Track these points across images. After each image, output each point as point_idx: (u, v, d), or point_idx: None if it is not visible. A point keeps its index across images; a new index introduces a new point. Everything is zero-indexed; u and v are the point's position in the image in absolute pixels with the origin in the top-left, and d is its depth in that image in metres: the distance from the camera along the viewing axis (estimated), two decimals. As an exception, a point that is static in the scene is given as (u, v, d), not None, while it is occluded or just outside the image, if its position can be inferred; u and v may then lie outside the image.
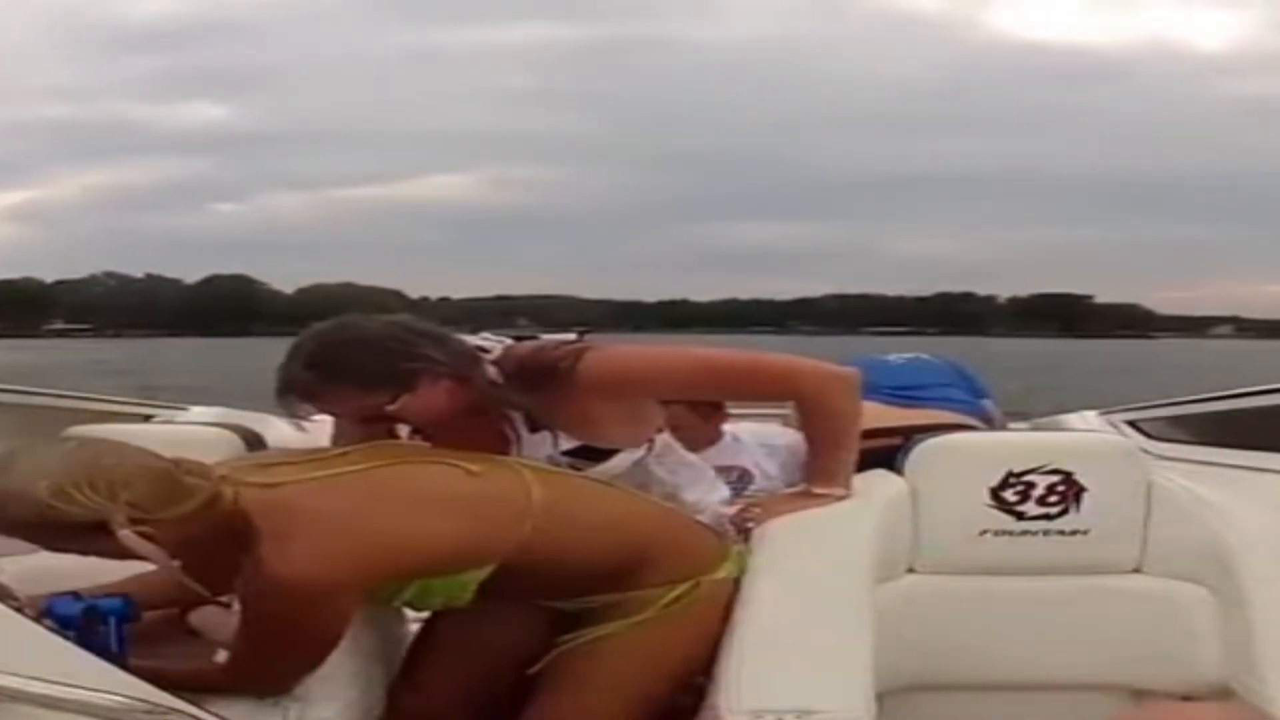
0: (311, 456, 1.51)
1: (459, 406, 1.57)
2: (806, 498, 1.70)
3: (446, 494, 1.49)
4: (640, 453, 1.68)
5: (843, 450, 1.70)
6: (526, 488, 1.51)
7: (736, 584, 1.58)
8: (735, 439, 2.34)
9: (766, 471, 2.29)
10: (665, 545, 1.57)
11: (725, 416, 2.31)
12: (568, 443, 1.63)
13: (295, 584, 1.34)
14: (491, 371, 1.60)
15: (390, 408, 1.52)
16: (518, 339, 1.69)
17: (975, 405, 2.32)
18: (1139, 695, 1.77)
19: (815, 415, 1.69)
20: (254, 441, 2.02)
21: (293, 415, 1.57)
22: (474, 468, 1.51)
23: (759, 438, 2.36)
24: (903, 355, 2.47)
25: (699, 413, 2.16)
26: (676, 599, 1.53)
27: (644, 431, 1.69)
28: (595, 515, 1.57)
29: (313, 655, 1.42)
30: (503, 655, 1.60)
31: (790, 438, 2.22)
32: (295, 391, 1.52)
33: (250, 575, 1.37)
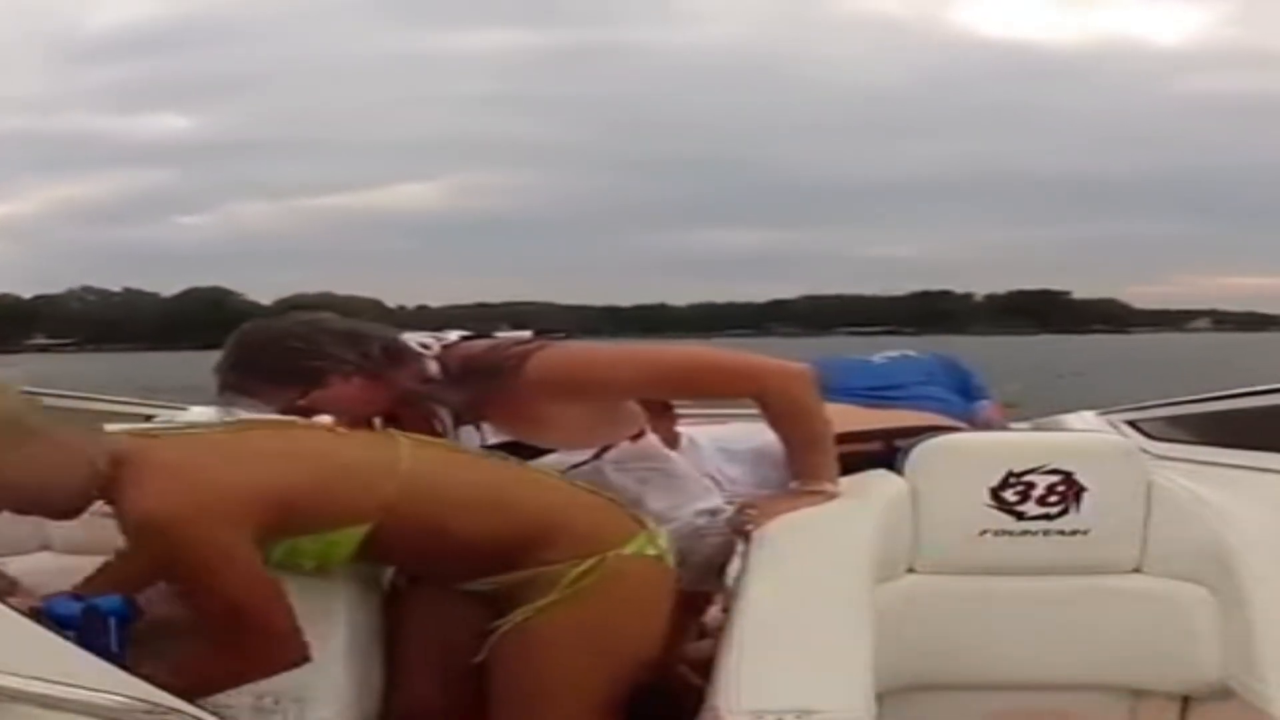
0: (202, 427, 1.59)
1: (380, 400, 1.62)
2: (798, 496, 1.70)
3: (304, 449, 1.54)
4: (582, 455, 1.67)
5: (820, 445, 1.69)
6: (396, 454, 1.53)
7: (660, 563, 1.60)
8: (692, 443, 2.24)
9: (729, 476, 2.19)
10: (562, 522, 1.57)
11: (674, 418, 2.20)
12: (495, 438, 1.63)
13: (142, 523, 1.41)
14: (431, 368, 1.62)
15: (300, 402, 1.59)
16: (468, 337, 1.69)
17: (958, 405, 2.25)
18: (1139, 695, 1.77)
19: (781, 414, 1.69)
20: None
21: (231, 410, 1.64)
22: (343, 430, 1.58)
23: (718, 441, 2.27)
24: (888, 354, 2.40)
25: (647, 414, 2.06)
26: (584, 574, 1.53)
27: (599, 435, 1.68)
28: (479, 489, 1.58)
29: (242, 614, 1.43)
30: (464, 645, 1.60)
31: (753, 440, 2.13)
32: (228, 389, 1.61)
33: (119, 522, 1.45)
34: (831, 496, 1.69)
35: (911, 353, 2.42)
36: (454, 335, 1.70)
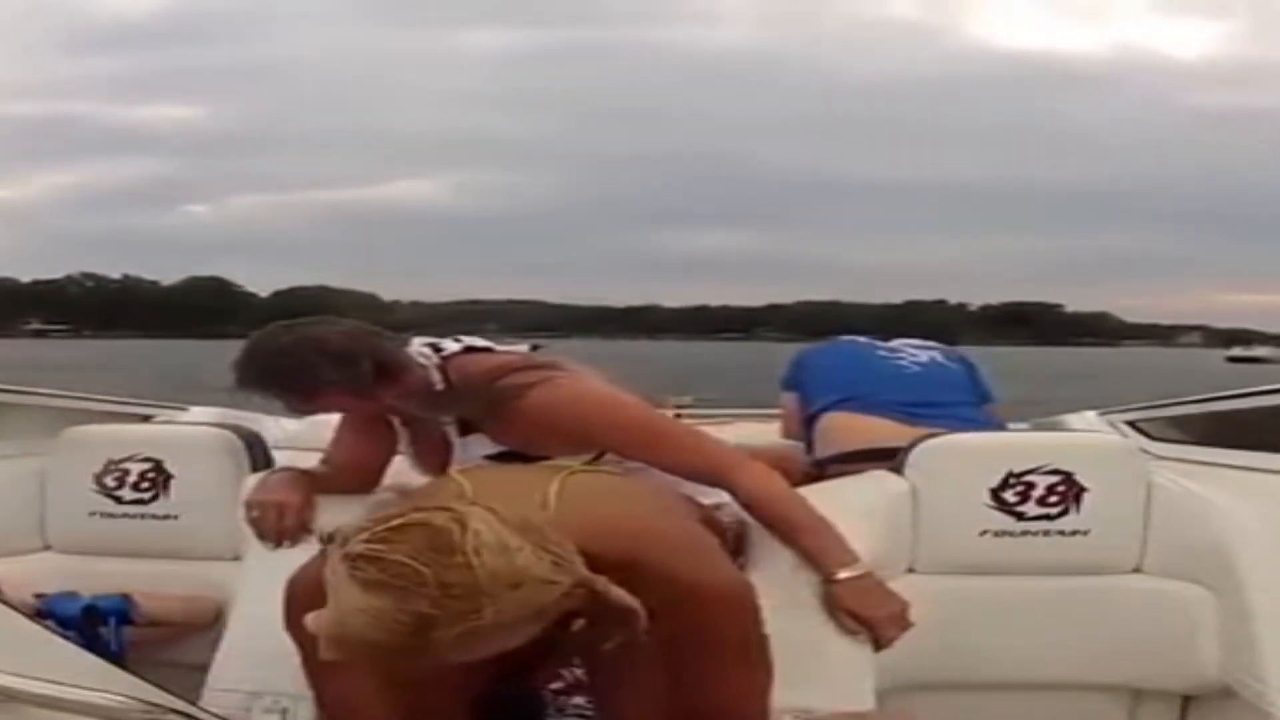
0: None
1: (372, 409, 1.70)
2: (842, 588, 1.51)
3: None
4: (582, 460, 1.66)
5: (812, 529, 1.55)
6: (460, 487, 1.46)
7: None
8: None
9: None
10: None
11: None
12: (494, 448, 1.66)
13: None
14: (435, 377, 1.68)
15: (305, 408, 1.77)
16: (470, 349, 1.72)
17: (985, 420, 2.20)
18: (1139, 695, 1.77)
19: (764, 513, 1.58)
20: (253, 441, 2.02)
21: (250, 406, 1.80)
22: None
23: None
24: (917, 358, 2.25)
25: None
26: None
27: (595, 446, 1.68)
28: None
29: None
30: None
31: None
32: (240, 390, 1.67)
33: None
34: (865, 573, 1.52)
35: (939, 355, 2.31)
36: (452, 346, 1.72)
